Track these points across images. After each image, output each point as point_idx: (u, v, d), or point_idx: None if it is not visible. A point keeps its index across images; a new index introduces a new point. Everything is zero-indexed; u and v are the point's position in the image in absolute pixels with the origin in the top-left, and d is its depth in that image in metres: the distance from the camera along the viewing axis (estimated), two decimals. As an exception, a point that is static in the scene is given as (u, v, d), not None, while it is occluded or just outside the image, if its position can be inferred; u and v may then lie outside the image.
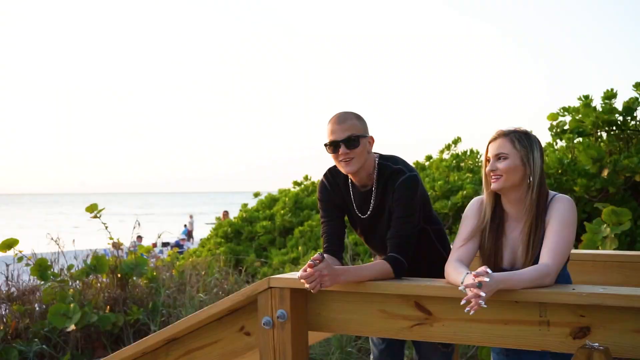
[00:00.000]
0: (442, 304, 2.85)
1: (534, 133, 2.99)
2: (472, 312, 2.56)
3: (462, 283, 2.69)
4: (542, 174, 2.92)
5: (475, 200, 3.11)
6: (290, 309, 3.05)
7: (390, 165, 3.20)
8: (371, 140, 3.21)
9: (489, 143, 2.98)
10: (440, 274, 3.20)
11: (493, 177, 2.93)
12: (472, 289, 2.57)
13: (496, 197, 3.02)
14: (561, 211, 2.85)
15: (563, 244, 2.79)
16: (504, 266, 3.00)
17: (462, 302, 2.60)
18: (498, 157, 2.92)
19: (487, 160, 2.98)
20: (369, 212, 3.27)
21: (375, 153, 3.28)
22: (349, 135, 3.11)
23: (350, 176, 3.26)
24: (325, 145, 3.17)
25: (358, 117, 3.19)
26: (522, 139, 2.92)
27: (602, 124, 6.93)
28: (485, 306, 2.55)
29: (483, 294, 2.53)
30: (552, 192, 2.96)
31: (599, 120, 6.89)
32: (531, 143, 2.92)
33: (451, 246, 3.48)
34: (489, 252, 3.02)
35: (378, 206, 3.24)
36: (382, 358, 3.64)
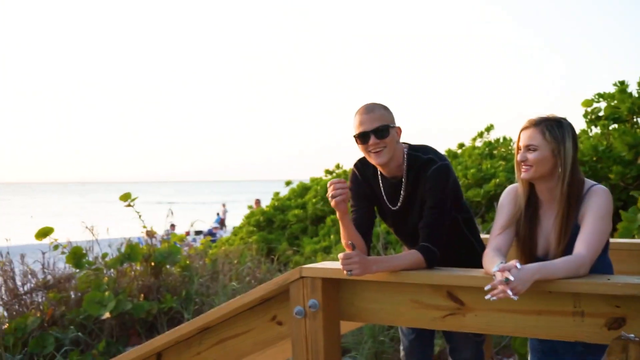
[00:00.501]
0: (474, 294, 2.83)
1: (567, 120, 2.95)
2: (492, 298, 2.57)
3: (494, 271, 2.68)
4: (574, 164, 2.89)
5: (510, 188, 3.10)
6: (322, 299, 3.05)
7: (421, 156, 3.17)
8: (399, 131, 3.19)
9: (521, 131, 2.95)
10: (469, 262, 3.20)
11: (523, 167, 2.91)
12: (500, 281, 2.56)
13: (530, 184, 3.00)
14: (597, 202, 2.82)
15: (598, 235, 2.77)
16: (538, 254, 2.98)
17: (487, 287, 2.60)
18: (528, 147, 2.89)
19: (519, 148, 2.96)
20: (399, 204, 3.25)
21: (404, 144, 3.26)
22: (379, 125, 3.09)
23: (379, 168, 3.24)
24: (355, 137, 3.14)
25: (385, 108, 3.17)
26: (553, 129, 2.88)
27: (638, 109, 6.82)
28: (515, 298, 2.54)
29: (510, 293, 2.52)
30: (589, 182, 2.92)
31: (635, 106, 6.78)
32: (563, 133, 2.88)
33: (481, 235, 3.48)
34: (524, 240, 3.01)
35: (409, 197, 3.22)
36: (412, 348, 3.63)
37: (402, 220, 3.30)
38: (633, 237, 5.04)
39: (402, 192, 3.22)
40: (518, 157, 2.94)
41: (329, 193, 3.00)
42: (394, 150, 3.15)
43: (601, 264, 2.90)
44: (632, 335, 2.50)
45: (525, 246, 3.01)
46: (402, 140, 3.24)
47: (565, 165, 2.87)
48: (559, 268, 2.64)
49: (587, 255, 2.71)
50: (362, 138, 3.12)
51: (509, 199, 3.07)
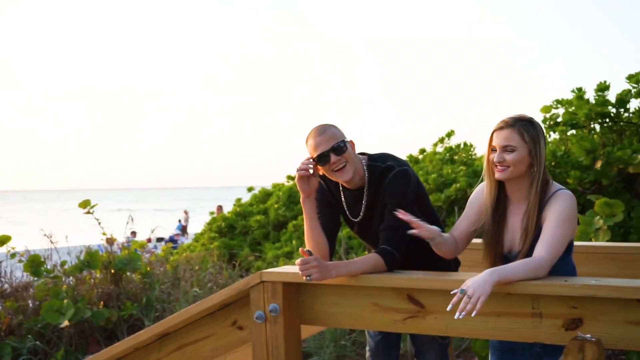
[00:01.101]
0: (434, 296, 2.85)
1: (535, 119, 2.99)
2: (460, 316, 2.58)
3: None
4: (544, 163, 2.93)
5: (481, 186, 3.14)
6: (282, 303, 3.04)
7: (380, 165, 3.20)
8: (352, 144, 3.22)
9: (494, 131, 2.96)
10: (437, 265, 3.22)
11: (499, 167, 2.93)
12: (458, 296, 2.61)
13: (499, 183, 3.02)
14: (560, 205, 2.85)
15: (559, 237, 2.79)
16: (504, 252, 3.01)
17: (449, 306, 2.63)
18: (505, 148, 2.91)
19: (491, 148, 2.97)
20: (361, 215, 3.28)
21: (362, 155, 3.29)
22: (334, 143, 3.11)
23: (344, 183, 3.25)
24: (314, 160, 3.15)
25: (333, 126, 3.20)
26: (529, 130, 2.91)
27: (595, 116, 6.93)
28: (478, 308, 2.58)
29: (468, 307, 2.56)
30: (556, 185, 2.95)
31: (592, 112, 6.88)
32: (537, 133, 2.92)
33: None
34: (491, 239, 3.03)
35: (370, 207, 3.24)
36: (378, 349, 3.63)
37: (367, 229, 3.33)
38: (590, 240, 5.11)
39: (363, 203, 3.24)
40: (495, 159, 2.93)
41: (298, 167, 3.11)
42: (355, 164, 3.17)
43: (564, 267, 2.93)
44: (589, 335, 2.53)
45: (492, 245, 3.04)
46: (369, 148, 3.28)
47: (540, 165, 2.91)
48: (517, 270, 2.66)
49: (546, 258, 2.73)
50: (322, 159, 3.12)
51: (479, 195, 3.12)
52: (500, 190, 3.04)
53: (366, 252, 3.57)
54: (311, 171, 3.12)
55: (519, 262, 2.73)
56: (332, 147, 3.10)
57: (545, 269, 2.72)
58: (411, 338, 3.63)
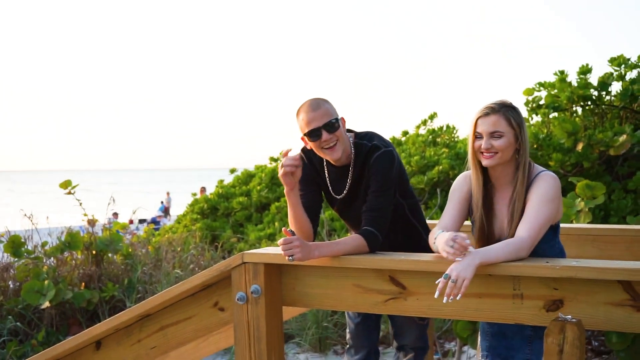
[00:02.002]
0: (416, 278, 2.85)
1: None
2: (448, 300, 2.59)
3: (435, 240, 2.81)
4: (528, 148, 2.93)
5: (463, 175, 3.10)
6: (264, 284, 3.03)
7: (366, 144, 3.18)
8: (344, 121, 3.18)
9: (479, 118, 2.91)
10: (415, 247, 3.21)
11: (486, 154, 2.90)
12: (443, 282, 2.61)
13: (484, 170, 3.00)
14: (542, 187, 2.85)
15: (540, 218, 2.79)
16: (494, 239, 3.01)
17: (436, 293, 2.64)
18: (493, 134, 2.88)
19: (476, 135, 2.93)
20: (345, 192, 3.26)
21: (350, 132, 3.26)
22: (328, 120, 3.07)
23: (331, 160, 3.23)
24: (305, 135, 3.11)
25: (327, 101, 3.15)
26: (515, 115, 2.90)
27: (577, 99, 6.95)
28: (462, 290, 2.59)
29: (455, 291, 2.57)
30: (538, 168, 2.95)
31: (574, 95, 6.90)
32: (521, 118, 2.91)
33: (427, 220, 3.51)
34: (481, 226, 3.02)
35: (354, 185, 3.23)
36: (358, 332, 3.64)
37: (348, 207, 3.31)
38: (571, 222, 5.13)
39: (348, 180, 3.22)
40: (483, 145, 2.89)
41: (281, 162, 3.00)
42: (344, 142, 3.14)
43: (551, 249, 2.94)
44: (570, 316, 2.55)
45: (482, 232, 3.03)
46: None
47: (525, 150, 2.90)
48: (498, 251, 2.66)
49: (527, 238, 2.74)
50: (313, 136, 3.09)
51: (461, 185, 3.09)
52: (485, 178, 3.03)
53: (348, 234, 3.56)
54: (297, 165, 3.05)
55: (499, 243, 2.73)
56: (325, 124, 3.07)
57: (526, 249, 2.72)
58: (390, 320, 3.65)
